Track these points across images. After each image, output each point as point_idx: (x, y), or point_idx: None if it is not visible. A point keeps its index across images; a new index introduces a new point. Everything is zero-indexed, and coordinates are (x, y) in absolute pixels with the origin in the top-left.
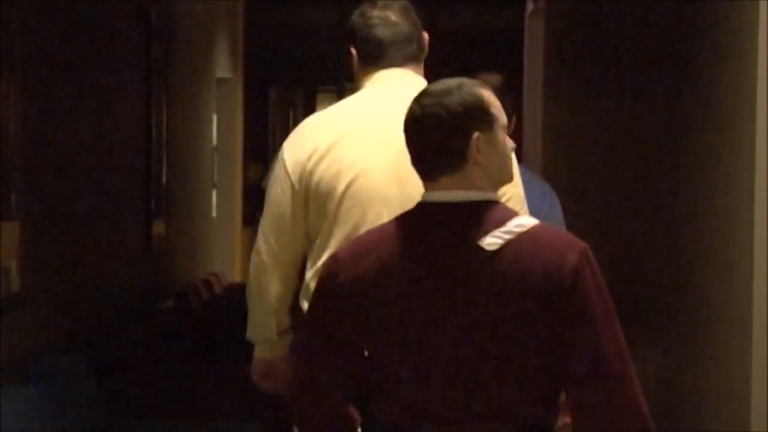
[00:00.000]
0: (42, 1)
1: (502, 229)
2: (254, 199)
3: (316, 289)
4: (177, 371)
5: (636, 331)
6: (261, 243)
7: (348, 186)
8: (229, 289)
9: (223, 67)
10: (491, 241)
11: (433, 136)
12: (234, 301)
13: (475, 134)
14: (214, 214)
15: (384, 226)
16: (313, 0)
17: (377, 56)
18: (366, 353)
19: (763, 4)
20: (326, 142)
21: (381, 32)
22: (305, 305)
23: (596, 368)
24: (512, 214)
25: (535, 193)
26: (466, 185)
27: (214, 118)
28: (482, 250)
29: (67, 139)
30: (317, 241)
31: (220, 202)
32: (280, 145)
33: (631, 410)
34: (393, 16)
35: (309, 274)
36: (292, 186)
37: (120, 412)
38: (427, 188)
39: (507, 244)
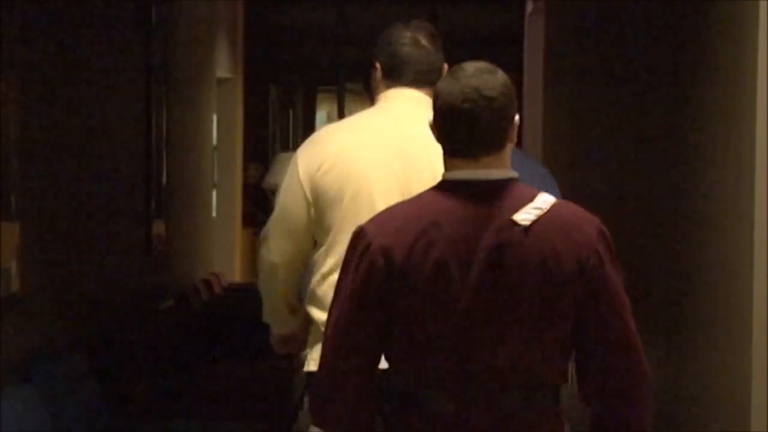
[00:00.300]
0: (42, 1)
1: (532, 205)
2: (254, 199)
3: (345, 258)
4: (177, 371)
5: (636, 330)
6: (271, 243)
7: (352, 197)
8: (229, 289)
9: (223, 67)
10: (524, 216)
11: (483, 118)
12: (234, 301)
13: (516, 116)
14: (214, 214)
15: (414, 201)
16: (313, 0)
17: (399, 74)
18: (392, 321)
19: (763, 4)
20: (335, 154)
21: (408, 52)
22: (312, 311)
23: (617, 336)
24: (535, 191)
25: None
26: (503, 164)
27: (214, 118)
28: (516, 224)
29: (66, 139)
30: (323, 247)
31: (220, 202)
32: (280, 145)
33: (643, 372)
34: (423, 40)
35: (315, 279)
36: (304, 193)
37: (120, 412)
38: (459, 166)
39: (537, 219)
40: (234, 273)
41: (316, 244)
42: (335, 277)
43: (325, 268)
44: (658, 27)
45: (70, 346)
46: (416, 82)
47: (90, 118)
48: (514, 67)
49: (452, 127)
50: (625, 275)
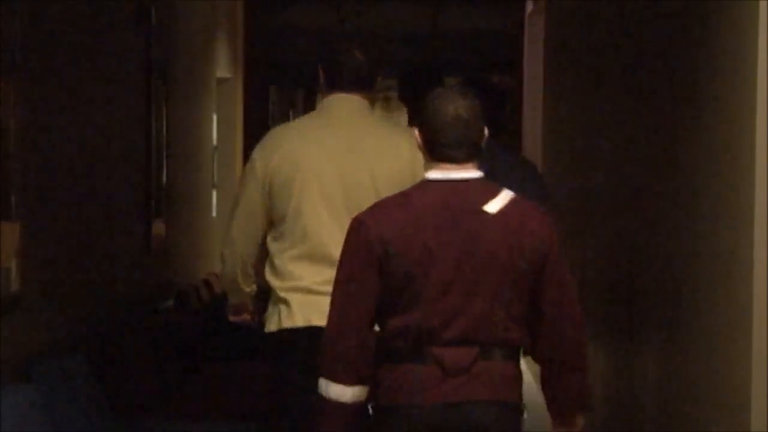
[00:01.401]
0: (42, 1)
1: (497, 198)
2: None
3: (349, 238)
4: (177, 371)
5: (636, 330)
6: (233, 223)
7: (300, 184)
8: None
9: (223, 67)
10: (492, 207)
11: (468, 132)
12: None
13: (485, 129)
14: (214, 214)
15: (405, 194)
16: (313, 0)
17: (340, 82)
18: (383, 292)
19: (763, 4)
20: (286, 149)
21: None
22: (271, 279)
23: (563, 298)
24: (499, 187)
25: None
26: (474, 167)
27: (214, 118)
28: (486, 212)
29: (67, 139)
30: (279, 229)
31: (220, 202)
32: None
33: (584, 340)
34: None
35: (273, 254)
36: (262, 183)
37: (120, 412)
38: (443, 168)
39: (501, 209)
40: None
41: (272, 226)
42: (291, 252)
43: (282, 245)
44: (658, 27)
45: (70, 346)
46: (352, 88)
47: (90, 119)
48: (514, 67)
49: (438, 139)
50: (624, 275)
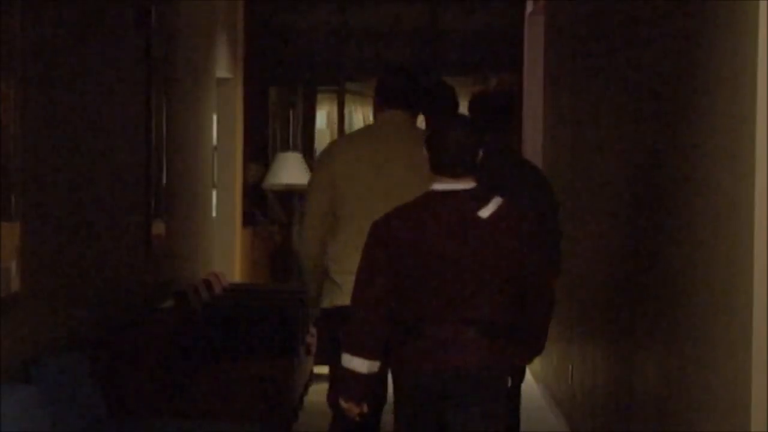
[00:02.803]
0: (42, 1)
1: (489, 205)
2: (254, 199)
3: (369, 238)
4: (177, 371)
5: (636, 330)
6: (308, 222)
7: (353, 185)
8: (229, 289)
9: (223, 67)
10: (485, 212)
11: (465, 154)
12: (234, 301)
13: (481, 150)
14: (214, 214)
15: (417, 201)
16: (313, 0)
17: (387, 101)
18: (398, 281)
19: (763, 4)
20: (343, 156)
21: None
22: (330, 263)
23: (540, 280)
24: (491, 195)
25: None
26: (471, 180)
27: (214, 118)
28: (480, 217)
29: (66, 140)
30: (338, 220)
31: (220, 202)
32: (280, 145)
33: (550, 311)
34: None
35: (333, 244)
36: (329, 183)
37: (120, 412)
38: (444, 181)
39: (492, 213)
40: (234, 273)
41: (333, 218)
42: (344, 241)
43: (338, 235)
44: (658, 27)
45: (70, 346)
46: (401, 106)
47: (90, 118)
48: (514, 67)
49: (441, 159)
50: (624, 274)
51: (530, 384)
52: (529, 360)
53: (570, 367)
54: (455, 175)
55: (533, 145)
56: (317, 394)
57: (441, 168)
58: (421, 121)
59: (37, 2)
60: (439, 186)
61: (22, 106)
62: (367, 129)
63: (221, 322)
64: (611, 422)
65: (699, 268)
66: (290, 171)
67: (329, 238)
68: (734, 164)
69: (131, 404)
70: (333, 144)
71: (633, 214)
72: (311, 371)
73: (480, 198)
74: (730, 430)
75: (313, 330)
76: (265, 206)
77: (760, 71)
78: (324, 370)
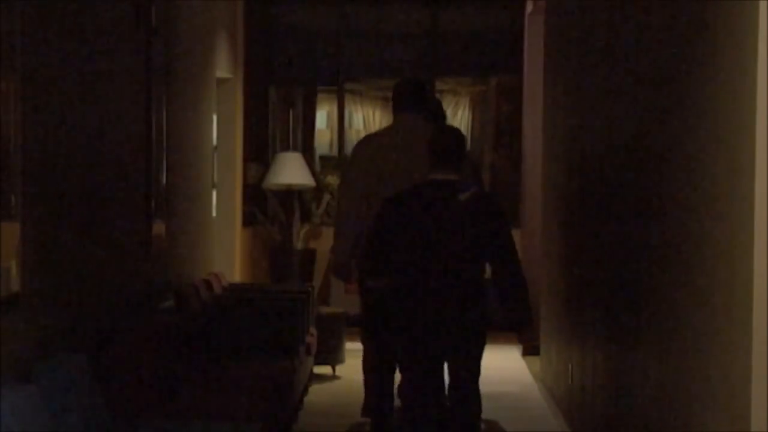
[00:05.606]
0: (42, 1)
1: (467, 192)
2: (254, 199)
3: (377, 214)
4: (177, 371)
5: (636, 330)
6: (345, 202)
7: (381, 172)
8: (229, 289)
9: (223, 67)
10: (463, 196)
11: (452, 150)
12: (234, 301)
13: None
14: (214, 214)
15: (418, 185)
16: (313, 1)
17: (401, 105)
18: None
19: (763, 4)
20: (370, 148)
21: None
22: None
23: (504, 252)
24: (469, 184)
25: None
26: (457, 173)
27: (214, 118)
28: (459, 200)
29: (67, 139)
30: (372, 202)
31: (220, 202)
32: (280, 145)
33: (523, 278)
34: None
35: (370, 215)
36: (361, 171)
37: (120, 412)
38: (433, 172)
39: (469, 197)
40: (234, 273)
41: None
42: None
43: (369, 212)
44: (657, 26)
45: (70, 346)
46: (413, 109)
47: (90, 118)
48: (514, 67)
49: (436, 157)
50: (624, 274)
51: (530, 384)
52: (519, 324)
53: (570, 367)
54: (444, 169)
55: (533, 145)
56: (317, 394)
57: (436, 163)
58: None
59: (37, 2)
60: (434, 176)
61: (22, 106)
62: (388, 127)
63: (221, 322)
64: (611, 422)
65: (699, 268)
66: (290, 171)
67: (367, 214)
68: (734, 164)
69: (131, 404)
70: (364, 137)
71: (633, 215)
72: (311, 371)
73: (461, 187)
74: (730, 430)
75: (313, 330)
76: (265, 206)
77: (760, 71)
78: (324, 370)
